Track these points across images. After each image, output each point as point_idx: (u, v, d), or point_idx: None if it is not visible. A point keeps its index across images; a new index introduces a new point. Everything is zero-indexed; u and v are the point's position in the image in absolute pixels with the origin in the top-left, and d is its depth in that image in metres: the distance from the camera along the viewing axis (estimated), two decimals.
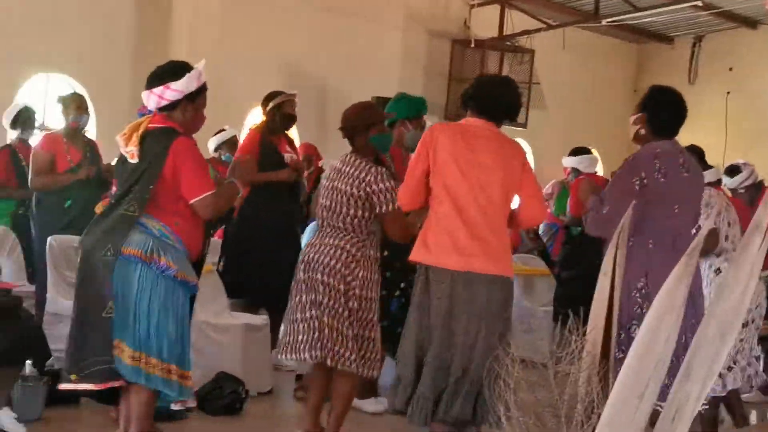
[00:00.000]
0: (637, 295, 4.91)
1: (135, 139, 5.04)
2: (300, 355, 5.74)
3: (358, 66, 13.24)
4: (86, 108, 7.98)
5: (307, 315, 5.72)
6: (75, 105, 7.86)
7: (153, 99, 5.10)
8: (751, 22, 16.07)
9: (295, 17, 12.54)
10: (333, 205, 5.78)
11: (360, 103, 6.20)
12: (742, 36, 16.26)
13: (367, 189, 5.71)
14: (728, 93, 16.05)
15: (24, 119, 8.72)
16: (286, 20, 12.47)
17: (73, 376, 4.98)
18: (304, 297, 5.76)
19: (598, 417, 3.06)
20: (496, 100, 5.38)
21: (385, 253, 6.82)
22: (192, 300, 5.20)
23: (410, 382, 5.16)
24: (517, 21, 14.82)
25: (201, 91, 5.16)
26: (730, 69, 16.35)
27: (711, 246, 6.23)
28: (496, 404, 3.22)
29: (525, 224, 5.84)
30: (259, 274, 7.75)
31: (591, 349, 3.27)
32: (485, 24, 14.71)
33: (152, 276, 4.95)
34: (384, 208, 5.70)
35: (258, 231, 7.85)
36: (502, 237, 5.26)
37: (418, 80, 14.05)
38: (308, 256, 5.78)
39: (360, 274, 5.71)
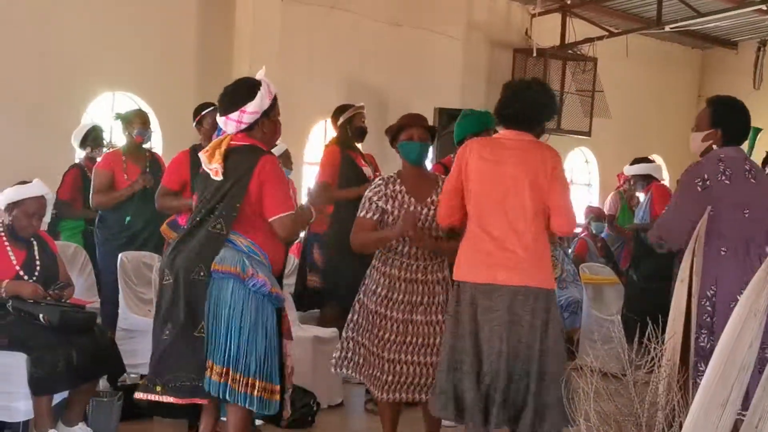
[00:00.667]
0: (707, 303, 4.82)
1: (218, 156, 5.11)
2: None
3: (419, 77, 13.24)
4: (149, 123, 8.06)
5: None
6: (139, 120, 7.94)
7: (231, 125, 5.17)
8: None
9: (354, 29, 12.58)
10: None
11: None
12: None
13: None
14: None
15: (92, 138, 8.79)
16: (346, 33, 12.51)
17: (158, 388, 5.04)
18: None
19: (680, 426, 3.03)
20: (514, 107, 5.24)
21: None
22: (278, 313, 5.24)
23: (445, 390, 5.14)
24: (578, 29, 14.73)
25: (274, 103, 5.23)
26: None
27: None
28: (574, 414, 3.19)
29: (558, 235, 5.73)
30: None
31: (671, 357, 3.23)
32: (547, 33, 14.65)
33: (244, 293, 5.01)
34: None
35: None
36: (534, 247, 5.12)
37: (480, 91, 14.02)
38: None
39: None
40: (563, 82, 14.66)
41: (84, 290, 7.59)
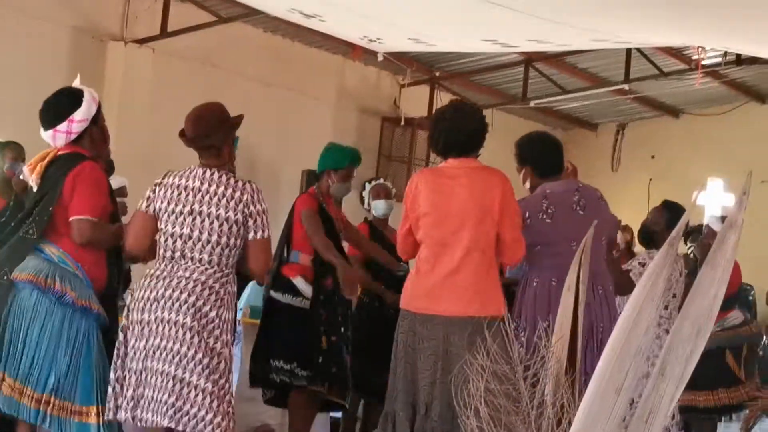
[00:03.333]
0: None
1: (39, 168, 4.90)
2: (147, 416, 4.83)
3: (289, 139, 13.26)
4: (23, 157, 7.84)
5: (150, 365, 4.82)
6: (11, 154, 7.73)
7: (61, 137, 4.94)
8: (673, 111, 16.45)
9: (225, 86, 12.50)
10: (191, 232, 4.85)
11: (208, 105, 5.26)
12: (664, 124, 16.63)
13: (245, 210, 4.88)
14: (650, 180, 16.31)
15: None
16: (217, 89, 12.35)
17: None
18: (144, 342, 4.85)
19: (569, 423, 3.02)
20: (450, 133, 5.18)
21: (336, 297, 6.77)
22: (106, 333, 4.92)
23: (399, 419, 5.04)
24: (446, 101, 14.89)
25: (99, 109, 5.05)
26: (653, 157, 16.65)
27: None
28: (464, 412, 3.16)
29: (506, 264, 5.49)
30: None
31: (559, 357, 3.24)
32: (415, 102, 14.84)
33: (47, 304, 4.73)
34: (255, 233, 4.90)
35: None
36: (480, 277, 5.05)
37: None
38: (154, 292, 4.85)
39: (223, 315, 4.84)
40: (428, 152, 14.81)
41: None
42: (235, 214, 4.82)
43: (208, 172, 4.90)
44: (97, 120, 5.04)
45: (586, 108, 16.09)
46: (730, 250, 2.85)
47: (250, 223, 4.86)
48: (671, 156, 16.28)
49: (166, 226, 4.89)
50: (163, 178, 5.02)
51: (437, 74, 14.80)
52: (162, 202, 4.93)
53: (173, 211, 4.89)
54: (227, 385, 4.78)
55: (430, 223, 5.10)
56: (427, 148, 14.55)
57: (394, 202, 8.17)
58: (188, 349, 4.71)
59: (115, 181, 8.10)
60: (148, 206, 4.97)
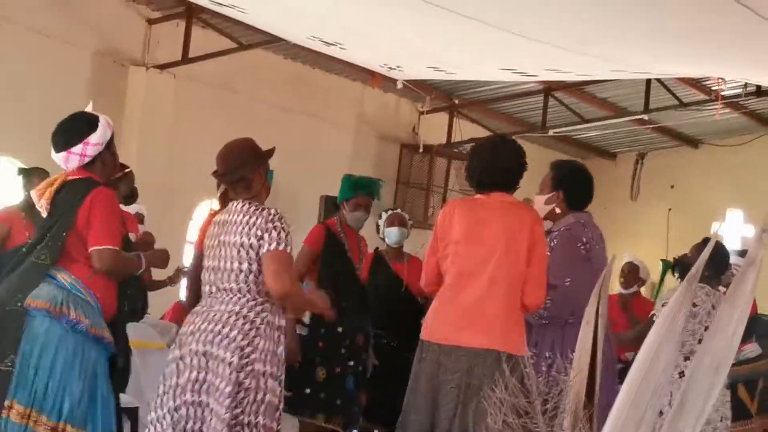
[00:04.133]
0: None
1: (48, 193, 4.87)
2: None
3: (308, 165, 13.28)
4: None
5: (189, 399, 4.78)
6: (39, 180, 7.72)
7: (75, 159, 4.89)
8: (692, 142, 16.45)
9: (245, 112, 12.57)
10: (219, 263, 4.88)
11: (238, 140, 5.23)
12: (683, 154, 16.64)
13: (257, 233, 4.80)
14: (670, 210, 16.29)
15: None
16: (238, 114, 12.50)
17: None
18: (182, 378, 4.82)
19: None
20: (487, 169, 5.19)
21: (339, 329, 6.80)
22: (111, 362, 4.91)
23: None
24: (465, 129, 15.01)
25: (112, 135, 5.01)
26: (672, 186, 16.66)
27: None
28: None
29: (526, 306, 5.19)
30: None
31: (578, 391, 3.23)
32: (434, 130, 14.88)
33: (60, 331, 4.69)
34: (267, 246, 4.78)
35: None
36: (505, 311, 5.02)
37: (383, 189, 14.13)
38: (192, 326, 4.84)
39: (260, 345, 4.75)
40: (447, 179, 14.88)
41: None
42: (249, 239, 4.81)
43: (240, 205, 4.92)
44: (111, 146, 5.01)
45: (606, 137, 16.10)
46: (749, 288, 2.83)
47: (262, 242, 4.79)
48: (690, 186, 16.28)
49: (205, 262, 4.97)
50: (213, 216, 5.13)
51: (456, 102, 14.85)
52: (207, 240, 5.05)
53: (208, 246, 4.99)
54: (243, 417, 4.67)
55: (461, 251, 5.08)
56: (446, 175, 14.66)
57: (410, 230, 8.19)
58: (218, 379, 4.69)
59: (133, 208, 8.13)
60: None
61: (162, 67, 11.96)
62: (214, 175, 5.04)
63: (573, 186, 5.57)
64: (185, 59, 11.91)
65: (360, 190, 7.16)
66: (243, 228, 4.83)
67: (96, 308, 4.81)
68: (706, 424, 5.58)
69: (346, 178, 7.32)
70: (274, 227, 4.78)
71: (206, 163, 12.36)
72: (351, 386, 6.83)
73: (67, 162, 4.93)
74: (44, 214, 4.91)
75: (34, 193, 4.98)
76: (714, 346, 2.85)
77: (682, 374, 6.42)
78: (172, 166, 11.72)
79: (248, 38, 11.97)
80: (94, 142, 4.88)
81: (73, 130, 4.93)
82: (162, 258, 5.53)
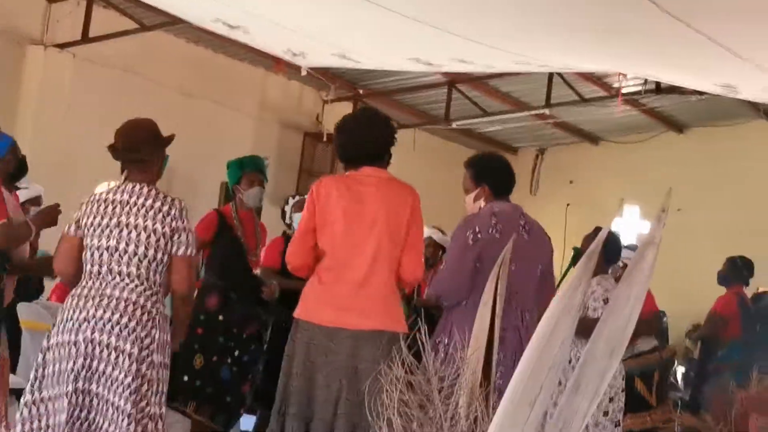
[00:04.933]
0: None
1: None
2: None
3: (209, 151, 13.12)
4: None
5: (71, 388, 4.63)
6: None
7: None
8: (592, 138, 16.63)
9: (145, 94, 12.37)
10: (118, 245, 4.74)
11: (141, 120, 5.20)
12: (583, 150, 16.81)
13: (172, 224, 4.79)
14: (568, 205, 16.34)
15: None
16: (138, 97, 12.28)
17: None
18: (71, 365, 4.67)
19: None
20: (356, 142, 5.14)
21: (220, 317, 6.71)
22: None
23: None
24: None
25: None
26: (571, 182, 16.80)
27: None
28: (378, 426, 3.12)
29: (405, 280, 5.21)
30: None
31: (474, 370, 3.22)
32: (337, 119, 14.70)
33: None
34: (182, 249, 4.79)
35: None
36: (389, 290, 5.00)
37: (270, 170, 13.98)
38: (83, 313, 4.68)
39: (156, 336, 4.71)
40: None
41: None
42: (162, 227, 4.75)
43: (137, 187, 4.83)
44: None
45: (507, 131, 16.20)
46: (647, 267, 2.83)
47: (176, 237, 4.78)
48: (589, 182, 16.44)
49: (92, 240, 4.80)
50: (90, 196, 4.94)
51: (361, 92, 14.78)
52: (89, 218, 4.85)
53: (99, 224, 4.81)
54: (149, 409, 4.62)
55: (340, 231, 5.00)
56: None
57: None
58: (119, 372, 4.59)
59: (31, 190, 7.92)
60: (76, 228, 4.88)
61: (61, 46, 11.73)
62: (110, 148, 4.92)
63: (493, 176, 5.56)
64: (85, 39, 11.69)
65: (247, 167, 7.16)
66: (148, 212, 4.74)
67: None
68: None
69: (230, 163, 7.30)
70: (185, 228, 4.77)
71: (104, 145, 12.24)
72: (227, 377, 6.74)
73: None
74: None
75: None
76: (609, 330, 2.85)
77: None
78: (70, 146, 11.49)
79: (150, 20, 11.77)
80: None
81: None
82: (49, 214, 5.41)
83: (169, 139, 5.05)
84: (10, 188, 5.84)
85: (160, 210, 4.77)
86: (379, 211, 4.99)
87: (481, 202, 5.48)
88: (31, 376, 4.72)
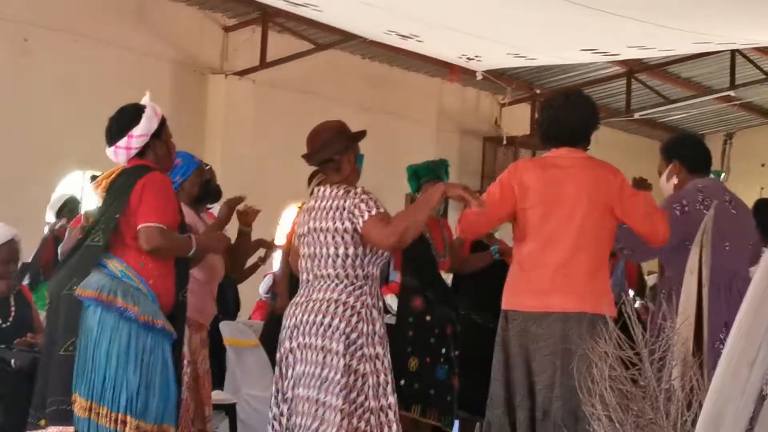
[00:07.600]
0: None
1: (105, 183, 4.80)
2: None
3: (391, 164, 13.21)
4: None
5: (297, 392, 4.72)
6: None
7: (122, 153, 4.81)
8: None
9: (326, 115, 12.49)
10: (315, 250, 4.78)
11: (326, 122, 5.15)
12: None
13: (350, 216, 4.67)
14: (762, 189, 15.93)
15: (69, 209, 8.68)
16: (318, 117, 12.40)
17: (42, 422, 4.67)
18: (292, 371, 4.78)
19: (699, 405, 2.89)
20: (557, 122, 4.91)
21: (427, 317, 6.69)
22: (175, 349, 4.81)
23: (501, 425, 4.87)
24: None
25: (163, 123, 4.90)
26: (763, 165, 16.32)
27: None
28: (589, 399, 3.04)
29: (654, 243, 4.92)
30: None
31: (685, 340, 3.12)
32: (516, 122, 14.75)
33: (112, 320, 4.60)
34: (363, 218, 4.63)
35: None
36: (592, 272, 4.80)
37: (451, 178, 14.01)
38: (294, 319, 4.75)
39: (364, 329, 4.66)
40: None
41: None
42: (343, 223, 4.74)
43: (329, 189, 4.83)
44: (160, 134, 4.90)
45: (692, 118, 15.82)
46: None
47: (356, 213, 4.64)
48: None
49: (301, 249, 4.87)
50: (301, 205, 5.05)
51: (538, 92, 14.65)
52: (298, 228, 4.93)
53: (301, 234, 4.87)
54: (367, 402, 4.60)
55: (539, 215, 4.84)
56: None
57: None
58: (329, 371, 4.60)
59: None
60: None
61: (241, 73, 12.03)
62: (303, 157, 4.97)
63: (684, 150, 5.39)
64: (263, 64, 11.95)
65: (423, 177, 7.10)
66: (335, 213, 4.74)
67: (149, 295, 4.71)
68: None
69: (408, 170, 7.28)
70: (362, 200, 4.68)
71: (290, 166, 12.47)
72: (442, 376, 6.72)
73: (116, 156, 4.86)
74: (100, 203, 4.87)
75: (92, 185, 4.96)
76: None
77: None
78: (256, 171, 11.76)
79: (324, 39, 11.97)
80: (138, 134, 4.79)
81: (117, 123, 4.87)
82: (218, 241, 5.47)
83: (356, 135, 5.02)
84: (197, 209, 5.94)
85: (338, 207, 4.70)
86: (578, 193, 4.81)
87: (674, 180, 5.30)
88: (273, 389, 4.83)
